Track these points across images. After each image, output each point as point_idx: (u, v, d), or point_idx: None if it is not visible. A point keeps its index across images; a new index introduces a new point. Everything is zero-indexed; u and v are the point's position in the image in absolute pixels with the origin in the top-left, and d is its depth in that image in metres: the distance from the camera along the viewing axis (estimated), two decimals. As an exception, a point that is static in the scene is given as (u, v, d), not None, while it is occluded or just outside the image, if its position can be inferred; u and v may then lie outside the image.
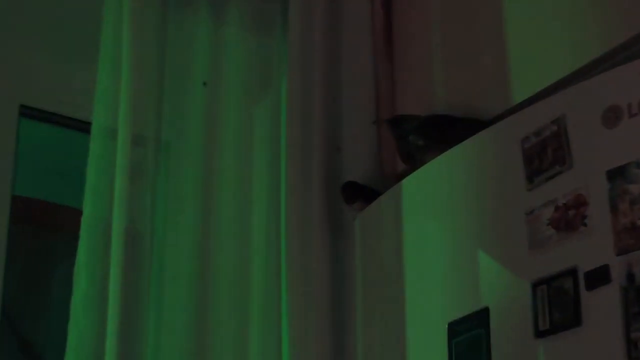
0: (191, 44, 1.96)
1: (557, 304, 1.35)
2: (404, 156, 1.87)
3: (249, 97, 1.99)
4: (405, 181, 1.77)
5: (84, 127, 1.87)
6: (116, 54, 1.81)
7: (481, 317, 1.47)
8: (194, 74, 1.95)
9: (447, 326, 1.54)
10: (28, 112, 1.95)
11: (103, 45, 1.82)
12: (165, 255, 1.83)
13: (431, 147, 1.76)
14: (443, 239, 1.63)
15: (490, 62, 1.83)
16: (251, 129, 1.98)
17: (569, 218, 1.37)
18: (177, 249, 1.84)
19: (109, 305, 1.66)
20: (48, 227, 2.38)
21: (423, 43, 2.07)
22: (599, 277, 1.29)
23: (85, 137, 1.80)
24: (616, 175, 1.31)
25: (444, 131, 1.78)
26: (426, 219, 1.69)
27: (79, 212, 1.74)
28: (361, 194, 1.93)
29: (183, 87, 1.93)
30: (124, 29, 1.82)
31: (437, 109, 1.93)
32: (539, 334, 1.36)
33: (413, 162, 1.81)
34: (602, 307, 1.28)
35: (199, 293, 1.81)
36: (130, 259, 1.70)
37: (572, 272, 1.33)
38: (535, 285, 1.39)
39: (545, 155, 1.43)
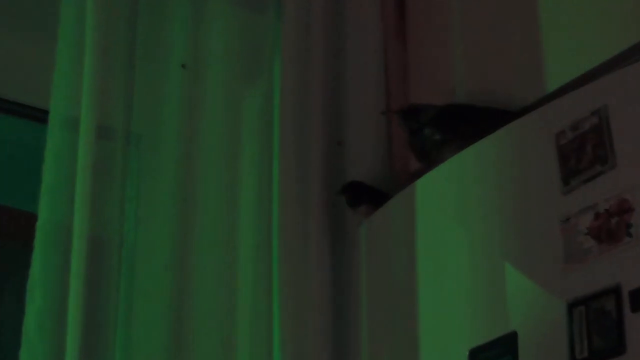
0: (167, 20, 1.97)
1: (597, 327, 1.35)
2: (418, 153, 1.87)
3: (236, 83, 2.00)
4: (419, 182, 1.77)
5: (40, 116, 1.87)
6: (78, 31, 1.82)
7: (508, 343, 1.48)
8: (170, 55, 1.95)
9: (467, 353, 1.54)
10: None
11: (62, 21, 1.82)
12: (136, 267, 1.83)
13: (449, 142, 1.77)
14: (463, 251, 1.63)
15: (520, 43, 1.85)
16: (238, 121, 1.98)
17: (612, 227, 1.37)
18: (150, 260, 1.84)
19: (69, 327, 1.66)
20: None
21: (441, 20, 2.08)
22: None
23: (42, 128, 1.80)
24: (668, 176, 1.33)
25: (464, 124, 1.79)
26: (444, 227, 1.69)
27: (33, 217, 1.74)
28: (367, 196, 1.94)
29: (158, 70, 1.94)
30: (87, 1, 1.82)
31: (456, 98, 1.94)
32: (576, 363, 1.37)
33: (428, 159, 1.82)
34: (650, 331, 1.29)
35: (176, 312, 1.82)
36: (94, 272, 1.71)
37: (615, 291, 1.34)
38: (571, 306, 1.39)
39: (584, 153, 1.43)
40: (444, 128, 1.80)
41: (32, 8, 1.96)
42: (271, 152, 1.96)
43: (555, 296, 1.42)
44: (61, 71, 1.81)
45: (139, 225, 1.87)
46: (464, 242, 1.63)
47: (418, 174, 1.81)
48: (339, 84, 2.08)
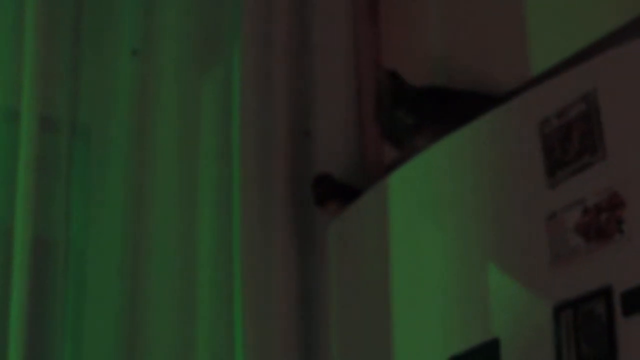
0: (117, 0, 1.97)
1: (586, 333, 1.34)
2: (389, 137, 1.86)
3: (192, 69, 2.01)
4: (392, 176, 1.76)
5: (-24, 107, 1.86)
6: (17, 14, 1.82)
7: (490, 350, 1.47)
8: (120, 39, 1.96)
9: (446, 362, 1.55)
10: None
11: (1, 4, 1.83)
12: (85, 272, 1.84)
13: (423, 128, 1.76)
14: (441, 251, 1.62)
15: (502, 22, 1.85)
16: (195, 110, 1.99)
17: (602, 223, 1.36)
18: (100, 264, 1.85)
19: (10, 337, 1.67)
20: None
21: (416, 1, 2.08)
22: (639, 298, 1.29)
23: (-22, 119, 1.80)
24: (662, 167, 1.31)
25: (440, 108, 1.79)
26: (419, 224, 1.69)
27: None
28: (336, 192, 1.93)
29: (106, 56, 1.95)
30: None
31: (434, 81, 1.94)
32: (563, 372, 1.37)
33: (398, 145, 1.82)
34: (644, 337, 1.28)
35: (129, 321, 1.82)
36: (38, 277, 1.71)
37: (606, 293, 1.33)
38: (558, 310, 1.38)
39: (571, 143, 1.42)
40: (417, 112, 1.80)
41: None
42: (231, 144, 1.96)
43: (541, 299, 1.42)
44: (-2, 58, 1.81)
45: (87, 225, 1.89)
46: (441, 241, 1.63)
47: (392, 167, 1.82)
48: (305, 68, 2.08)
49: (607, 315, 1.31)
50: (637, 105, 1.35)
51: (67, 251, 1.78)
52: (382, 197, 1.76)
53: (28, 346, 1.66)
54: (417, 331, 1.64)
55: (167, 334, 1.84)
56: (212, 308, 1.87)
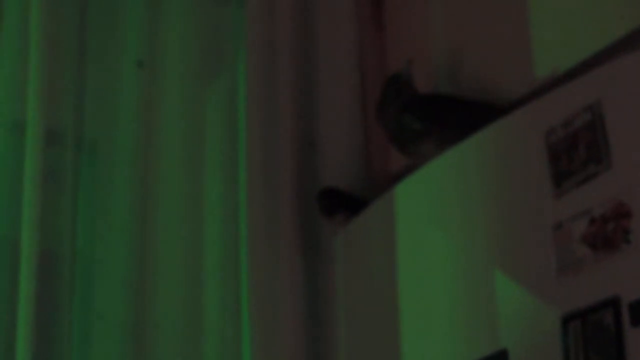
0: (121, 13, 1.97)
1: (595, 343, 1.34)
2: (395, 141, 1.86)
3: (198, 80, 2.01)
4: (398, 187, 1.77)
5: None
6: (23, 27, 1.82)
7: None
8: (125, 51, 1.96)
9: (453, 373, 1.55)
10: None
11: (6, 15, 1.83)
12: (92, 286, 1.83)
13: (429, 134, 1.77)
14: (448, 261, 1.62)
15: (507, 30, 1.84)
16: (201, 122, 1.99)
17: (608, 233, 1.36)
18: (106, 278, 1.84)
19: (17, 350, 1.66)
20: None
21: (421, 6, 2.07)
22: None
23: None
24: (668, 177, 1.32)
25: (448, 115, 1.79)
26: (426, 235, 1.69)
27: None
28: (343, 203, 1.93)
29: (112, 68, 1.94)
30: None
31: (438, 88, 1.95)
32: (572, 382, 1.37)
33: (404, 150, 1.82)
34: (652, 347, 1.28)
35: (136, 336, 1.82)
36: (44, 290, 1.71)
37: (614, 303, 1.33)
38: (566, 320, 1.38)
39: (577, 152, 1.42)
40: (425, 118, 1.80)
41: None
42: (237, 155, 1.97)
43: (549, 309, 1.42)
44: (4, 70, 1.82)
45: (93, 239, 1.88)
46: (448, 251, 1.63)
47: (398, 178, 1.81)
48: (310, 78, 2.07)
49: (616, 325, 1.31)
50: (642, 116, 1.36)
51: (73, 264, 1.78)
52: (389, 207, 1.76)
53: (35, 359, 1.65)
54: (425, 342, 1.63)
55: (175, 349, 1.82)
56: (219, 321, 1.87)
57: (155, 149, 1.93)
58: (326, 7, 2.13)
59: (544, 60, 1.74)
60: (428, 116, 1.81)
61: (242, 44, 2.02)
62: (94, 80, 1.90)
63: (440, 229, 1.66)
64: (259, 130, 1.96)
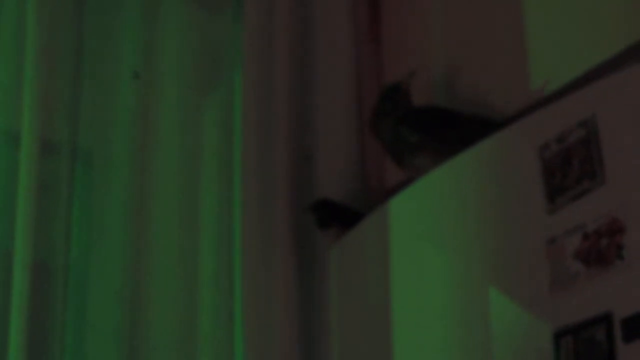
0: (117, 22, 1.96)
1: (587, 359, 1.34)
2: (391, 152, 1.86)
3: (194, 92, 2.00)
4: (393, 200, 1.77)
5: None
6: (18, 36, 1.81)
7: None
8: (121, 62, 1.95)
9: (446, 387, 1.55)
10: None
11: (1, 27, 1.83)
12: (86, 299, 1.82)
13: (426, 147, 1.77)
14: (441, 276, 1.63)
15: (504, 45, 1.85)
16: (197, 134, 1.99)
17: (602, 249, 1.36)
18: (100, 289, 1.84)
19: None
20: None
21: (419, 20, 2.08)
22: (639, 325, 1.29)
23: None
24: (661, 193, 1.32)
25: (445, 128, 1.80)
26: (421, 249, 1.69)
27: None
28: (338, 216, 1.94)
29: (107, 79, 1.94)
30: (27, 4, 1.82)
31: (434, 101, 1.95)
32: (563, 399, 1.38)
33: (400, 162, 1.82)
34: (645, 363, 1.28)
35: (130, 348, 1.81)
36: (37, 302, 1.70)
37: (606, 319, 1.33)
38: (558, 336, 1.39)
39: (571, 168, 1.43)
40: (422, 130, 1.80)
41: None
42: (232, 167, 1.96)
43: (541, 325, 1.42)
44: (-1, 80, 1.81)
45: (88, 251, 1.86)
46: (442, 265, 1.63)
47: (393, 191, 1.82)
48: (306, 91, 2.07)
49: (608, 342, 1.32)
50: (637, 131, 1.36)
51: (67, 276, 1.77)
52: (384, 220, 1.77)
53: None
54: (419, 357, 1.63)
55: (168, 358, 1.83)
56: (214, 334, 1.86)
57: (151, 161, 1.92)
58: (323, 20, 2.13)
59: (540, 75, 1.74)
60: (425, 129, 1.81)
61: (238, 56, 2.02)
62: (89, 90, 1.89)
63: (435, 242, 1.66)
64: (255, 142, 1.96)
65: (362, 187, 2.04)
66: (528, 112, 1.58)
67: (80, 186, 1.87)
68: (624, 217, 1.34)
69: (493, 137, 1.59)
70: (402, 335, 1.68)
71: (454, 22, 2.00)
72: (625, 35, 1.59)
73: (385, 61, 2.15)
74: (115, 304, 1.83)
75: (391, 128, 1.84)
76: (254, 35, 2.03)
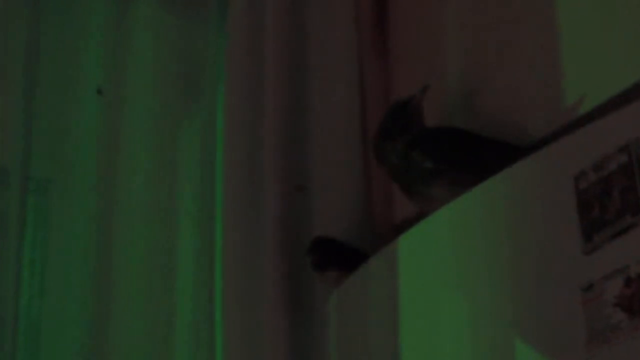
0: (79, 30, 1.99)
1: None
2: (400, 180, 1.87)
3: (170, 111, 2.02)
4: (403, 237, 1.77)
5: None
6: None
7: None
8: (83, 76, 1.98)
9: None
10: None
11: None
12: (38, 351, 1.83)
13: (441, 174, 1.78)
14: (458, 326, 1.63)
15: (532, 59, 1.86)
16: (171, 159, 2.01)
17: (647, 296, 1.37)
18: (56, 347, 1.85)
19: None
20: None
21: (431, 28, 2.09)
22: None
23: None
24: None
25: (464, 153, 1.81)
26: (433, 295, 1.69)
27: None
28: (338, 257, 1.94)
29: (67, 96, 1.96)
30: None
31: (449, 122, 1.96)
32: None
33: (411, 192, 1.83)
34: None
35: None
36: None
37: (652, 378, 1.33)
38: (596, 398, 1.39)
39: (610, 200, 1.42)
40: (437, 154, 1.81)
41: None
42: (213, 199, 1.97)
43: (577, 385, 1.42)
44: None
45: (43, 295, 1.88)
46: (458, 314, 1.63)
47: (402, 227, 1.82)
48: (299, 109, 2.08)
49: (653, 404, 1.31)
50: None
51: (15, 326, 1.78)
52: (391, 262, 1.77)
53: None
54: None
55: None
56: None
57: (117, 191, 1.94)
58: (321, 28, 2.15)
59: (574, 92, 1.75)
60: (440, 154, 1.82)
61: (221, 70, 2.05)
62: (45, 110, 1.93)
63: (450, 288, 1.66)
64: (239, 172, 1.98)
65: (366, 222, 2.05)
66: (560, 135, 1.58)
67: (34, 220, 1.88)
68: (674, 259, 1.34)
69: (519, 164, 1.59)
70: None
71: (471, 32, 2.01)
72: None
73: (393, 74, 2.16)
74: (73, 356, 1.84)
75: (400, 152, 1.85)
76: (238, 46, 2.04)
